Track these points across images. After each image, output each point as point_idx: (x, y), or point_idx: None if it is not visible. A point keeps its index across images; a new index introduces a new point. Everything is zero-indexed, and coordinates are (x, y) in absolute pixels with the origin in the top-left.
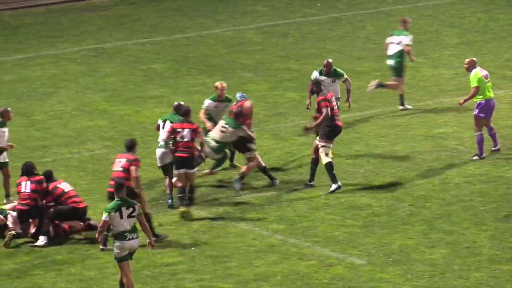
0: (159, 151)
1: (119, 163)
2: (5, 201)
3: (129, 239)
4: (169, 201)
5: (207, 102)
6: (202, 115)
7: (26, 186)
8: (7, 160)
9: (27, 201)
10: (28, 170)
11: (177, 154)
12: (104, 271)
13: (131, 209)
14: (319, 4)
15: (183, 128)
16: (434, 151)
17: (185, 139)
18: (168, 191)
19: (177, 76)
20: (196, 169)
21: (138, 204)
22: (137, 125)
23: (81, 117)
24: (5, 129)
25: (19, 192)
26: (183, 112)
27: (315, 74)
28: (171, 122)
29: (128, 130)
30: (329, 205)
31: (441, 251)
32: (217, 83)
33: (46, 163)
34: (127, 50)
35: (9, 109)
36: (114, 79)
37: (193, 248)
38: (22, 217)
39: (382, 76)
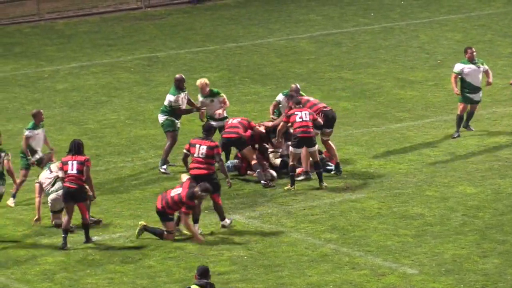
0: None
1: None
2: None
3: None
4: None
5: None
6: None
7: (73, 167)
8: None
9: (76, 181)
10: (76, 148)
11: None
12: (156, 279)
13: None
14: (372, 14)
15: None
16: (487, 161)
17: None
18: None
19: (230, 85)
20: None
21: (6, 152)
22: (190, 134)
23: (134, 126)
24: (39, 131)
25: (66, 171)
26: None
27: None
28: None
29: (181, 139)
30: (382, 214)
31: (493, 261)
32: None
33: (99, 172)
34: (181, 59)
35: (41, 110)
36: (168, 88)
37: (245, 257)
38: (67, 197)
39: (435, 85)
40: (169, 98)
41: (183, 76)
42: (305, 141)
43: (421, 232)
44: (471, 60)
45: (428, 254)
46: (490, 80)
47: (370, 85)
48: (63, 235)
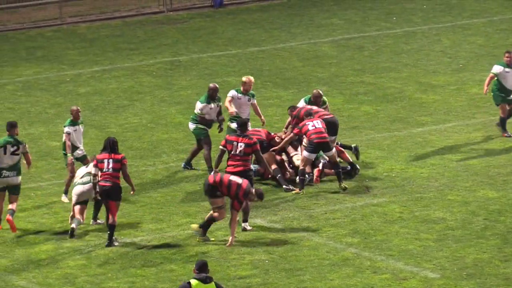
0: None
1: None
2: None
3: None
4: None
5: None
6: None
7: (109, 165)
8: (85, 153)
9: (112, 179)
10: (111, 146)
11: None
12: (178, 283)
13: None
14: (394, 18)
15: None
16: (509, 165)
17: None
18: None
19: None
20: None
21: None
22: (212, 138)
23: (156, 130)
24: (77, 127)
25: (101, 169)
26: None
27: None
28: None
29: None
30: (403, 218)
31: None
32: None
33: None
34: (203, 63)
35: (78, 108)
36: (190, 92)
37: (267, 261)
38: (104, 195)
39: (457, 89)
40: (198, 105)
41: (217, 86)
42: (322, 146)
43: (443, 236)
44: (510, 64)
45: (449, 258)
46: None
47: (392, 89)
48: (108, 232)
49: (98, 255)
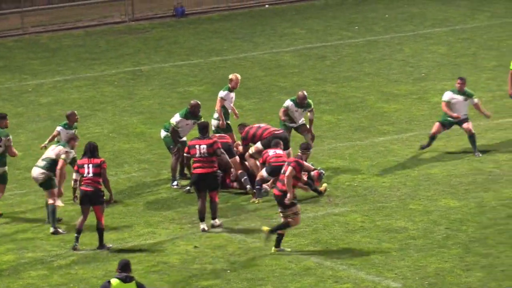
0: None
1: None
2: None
3: None
4: None
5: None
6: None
7: (89, 170)
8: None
9: (93, 184)
10: (91, 151)
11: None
12: None
13: None
14: (356, 27)
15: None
16: (470, 174)
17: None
18: None
19: (214, 99)
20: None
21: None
22: None
23: (117, 140)
24: (71, 132)
25: (82, 174)
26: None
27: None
28: None
29: (165, 153)
30: (365, 228)
31: (476, 274)
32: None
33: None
34: (165, 73)
35: (75, 112)
36: (151, 102)
37: (228, 271)
38: (84, 200)
39: (419, 99)
40: (175, 117)
41: (199, 103)
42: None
43: (405, 246)
44: (460, 90)
45: (411, 268)
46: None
47: (354, 98)
48: (76, 235)
49: (60, 265)
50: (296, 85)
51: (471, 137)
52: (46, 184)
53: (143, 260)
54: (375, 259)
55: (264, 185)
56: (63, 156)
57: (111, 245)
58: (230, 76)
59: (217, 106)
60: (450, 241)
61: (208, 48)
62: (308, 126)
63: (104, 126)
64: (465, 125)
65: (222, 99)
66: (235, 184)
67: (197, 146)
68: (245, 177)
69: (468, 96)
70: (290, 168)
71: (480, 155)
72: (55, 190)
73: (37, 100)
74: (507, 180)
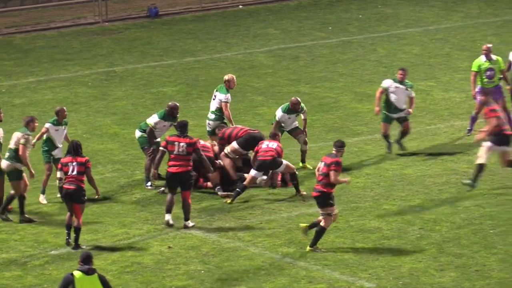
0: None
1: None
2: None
3: None
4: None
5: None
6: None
7: (73, 168)
8: (60, 157)
9: (76, 182)
10: (75, 149)
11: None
12: None
13: None
14: (330, 28)
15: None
16: (444, 174)
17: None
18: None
19: (187, 99)
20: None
21: None
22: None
23: (91, 141)
24: (60, 128)
25: (66, 172)
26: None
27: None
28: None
29: (139, 154)
30: (339, 228)
31: (450, 274)
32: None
33: (54, 187)
34: (138, 73)
35: (64, 108)
36: (125, 103)
37: (202, 272)
38: (67, 197)
39: None
40: (154, 117)
41: (177, 105)
42: (268, 164)
43: (379, 246)
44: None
45: (385, 268)
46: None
47: (328, 99)
48: (66, 231)
49: (34, 266)
50: (270, 85)
51: (405, 133)
52: (11, 175)
53: (117, 260)
54: (349, 259)
55: (259, 178)
56: (22, 141)
57: (85, 246)
58: (227, 77)
59: (226, 111)
60: (424, 241)
61: (182, 49)
62: (301, 128)
63: (78, 127)
64: (405, 123)
65: (227, 102)
66: (208, 184)
67: (176, 143)
68: (218, 187)
69: (408, 87)
70: (333, 172)
71: (390, 152)
72: (20, 183)
73: (10, 101)
74: (480, 180)
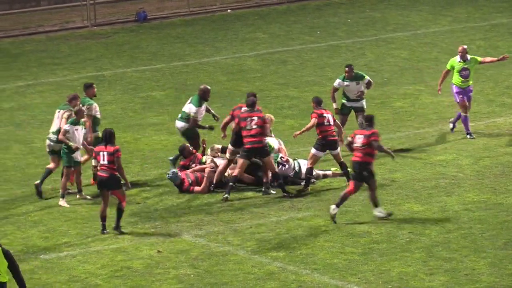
0: None
1: None
2: (77, 196)
3: None
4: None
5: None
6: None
7: (104, 158)
8: (79, 159)
9: (109, 170)
10: (108, 137)
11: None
12: None
13: None
14: (318, 32)
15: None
16: (433, 178)
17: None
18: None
19: (176, 104)
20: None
21: None
22: (136, 153)
23: None
24: (78, 127)
25: (98, 161)
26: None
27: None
28: None
29: (128, 158)
30: (328, 232)
31: (440, 278)
32: None
33: (45, 192)
34: (127, 78)
35: (83, 108)
36: (114, 107)
37: (192, 276)
38: (101, 185)
39: (381, 103)
40: (191, 108)
41: (209, 88)
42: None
43: (368, 250)
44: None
45: (374, 272)
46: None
47: None
48: (101, 222)
49: (23, 270)
50: (258, 89)
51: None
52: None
53: (106, 265)
54: (339, 263)
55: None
56: (65, 115)
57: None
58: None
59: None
60: (413, 245)
61: (170, 53)
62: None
63: None
64: (360, 116)
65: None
66: (195, 188)
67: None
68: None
69: (359, 79)
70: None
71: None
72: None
73: None
74: (470, 184)
